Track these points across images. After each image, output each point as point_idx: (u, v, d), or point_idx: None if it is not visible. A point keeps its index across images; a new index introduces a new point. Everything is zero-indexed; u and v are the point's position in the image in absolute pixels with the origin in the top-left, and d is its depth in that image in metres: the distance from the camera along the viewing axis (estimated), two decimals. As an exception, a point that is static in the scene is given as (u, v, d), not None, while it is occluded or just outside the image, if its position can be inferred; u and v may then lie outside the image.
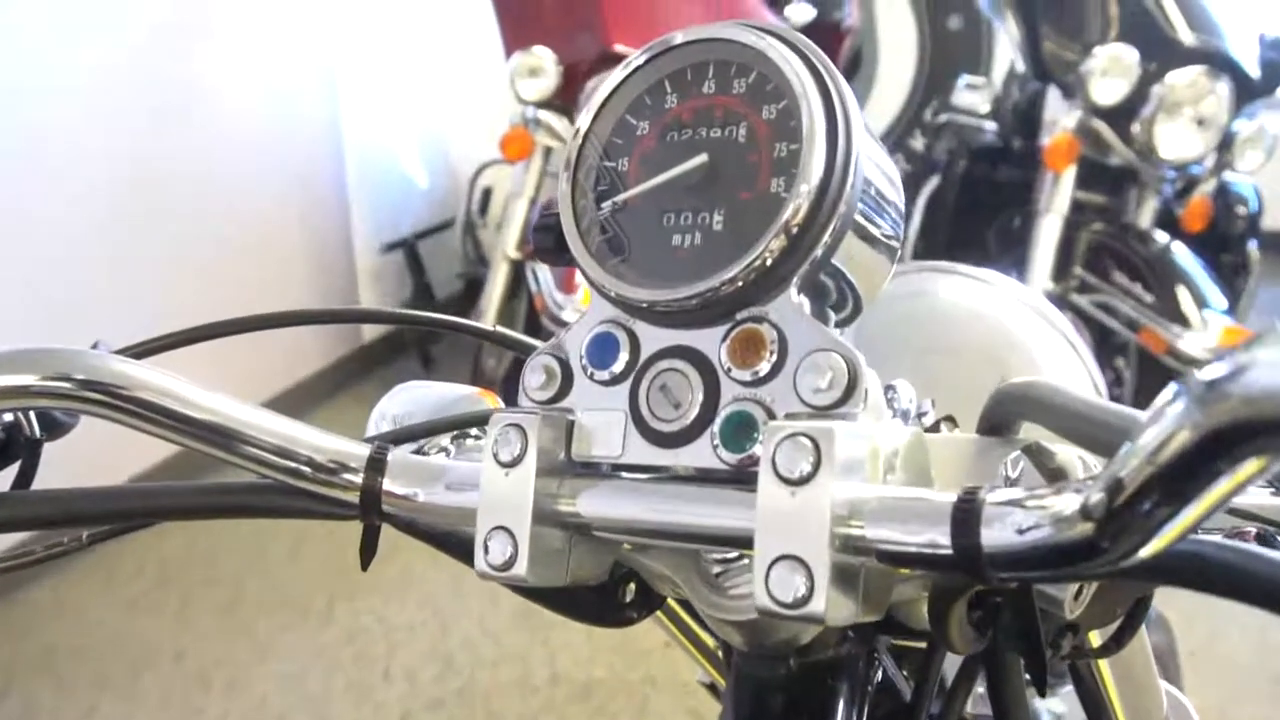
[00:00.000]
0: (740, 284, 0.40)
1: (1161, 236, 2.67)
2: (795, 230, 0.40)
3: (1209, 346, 2.41)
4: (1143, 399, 2.59)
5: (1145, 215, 2.75)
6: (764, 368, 0.40)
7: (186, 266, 3.07)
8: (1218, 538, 0.34)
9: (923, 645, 0.55)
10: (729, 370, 0.41)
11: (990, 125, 3.43)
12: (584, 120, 0.45)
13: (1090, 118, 2.69)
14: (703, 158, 0.43)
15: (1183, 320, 2.47)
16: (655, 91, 0.45)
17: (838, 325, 0.45)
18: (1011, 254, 2.94)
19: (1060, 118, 2.77)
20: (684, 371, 0.42)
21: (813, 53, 0.42)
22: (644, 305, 0.42)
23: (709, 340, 0.42)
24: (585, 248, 0.44)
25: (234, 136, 3.29)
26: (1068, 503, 0.33)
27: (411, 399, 0.67)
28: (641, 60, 0.44)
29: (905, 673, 0.58)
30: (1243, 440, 0.27)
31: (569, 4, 2.88)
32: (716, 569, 0.47)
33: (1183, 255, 2.60)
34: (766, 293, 0.41)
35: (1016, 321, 0.88)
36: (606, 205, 0.44)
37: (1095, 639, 0.50)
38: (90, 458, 1.07)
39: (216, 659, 2.37)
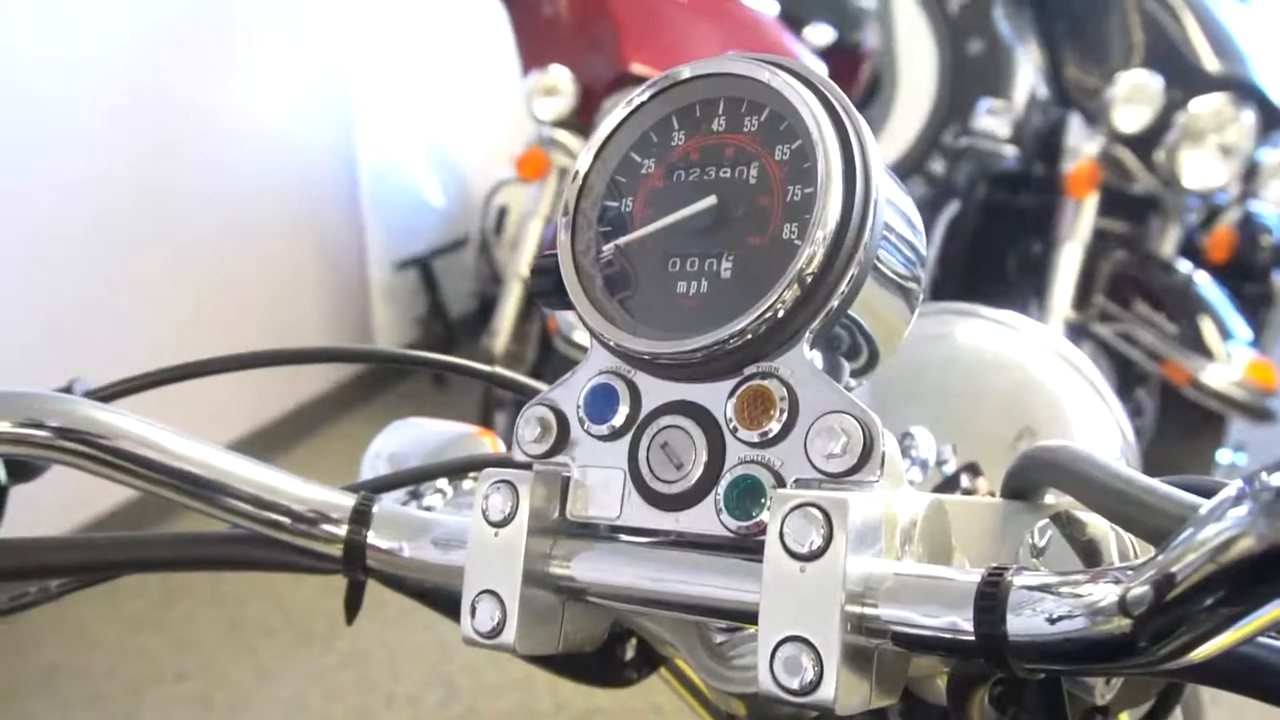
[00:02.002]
0: (749, 337, 0.37)
1: (1184, 266, 2.63)
2: (809, 280, 0.37)
3: (1233, 379, 2.37)
4: (1164, 430, 2.56)
5: (1168, 244, 2.70)
6: (773, 428, 0.37)
7: (198, 282, 3.07)
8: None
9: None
10: (735, 429, 0.38)
11: (1011, 150, 3.39)
12: (583, 162, 0.42)
13: (1113, 145, 2.65)
14: (711, 199, 0.40)
15: (1206, 352, 2.42)
16: (662, 128, 0.42)
17: (853, 375, 0.42)
18: (1031, 282, 2.90)
19: (1082, 144, 2.74)
20: (687, 429, 0.39)
21: (829, 89, 0.39)
22: (645, 357, 0.40)
23: (714, 396, 0.39)
24: (585, 293, 0.41)
25: (248, 153, 3.29)
26: (1105, 593, 0.30)
27: (407, 438, 0.65)
28: (646, 96, 0.42)
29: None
30: None
31: (585, 24, 2.86)
32: (719, 637, 0.44)
33: (1206, 285, 2.55)
34: (777, 347, 0.38)
35: (1040, 368, 0.85)
36: (608, 248, 0.42)
37: None
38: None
39: (218, 680, 2.34)
